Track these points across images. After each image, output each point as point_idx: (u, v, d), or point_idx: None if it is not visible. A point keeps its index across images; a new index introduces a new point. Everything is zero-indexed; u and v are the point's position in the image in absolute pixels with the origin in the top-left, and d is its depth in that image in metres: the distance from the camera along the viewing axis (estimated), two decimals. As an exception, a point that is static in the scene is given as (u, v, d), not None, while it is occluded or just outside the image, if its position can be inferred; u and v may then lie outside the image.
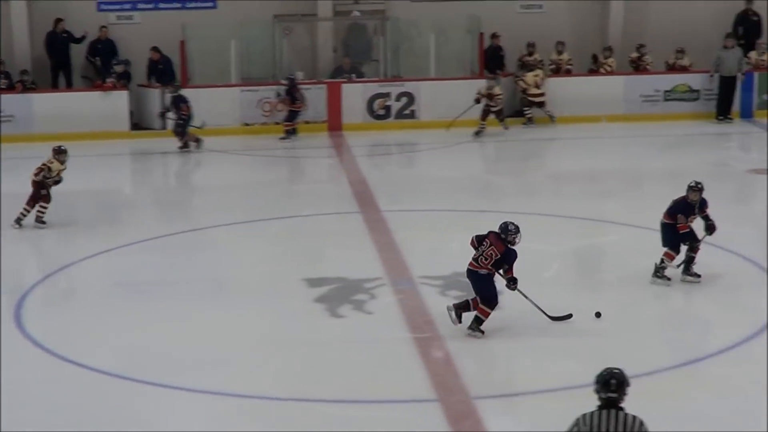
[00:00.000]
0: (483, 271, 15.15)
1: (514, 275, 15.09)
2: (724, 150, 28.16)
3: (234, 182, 26.00)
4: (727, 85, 30.58)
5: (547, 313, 15.42)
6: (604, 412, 8.71)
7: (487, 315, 15.12)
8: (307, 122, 29.68)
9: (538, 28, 31.73)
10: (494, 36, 31.03)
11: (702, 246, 17.71)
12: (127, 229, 21.78)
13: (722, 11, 32.29)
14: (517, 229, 14.95)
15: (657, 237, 18.40)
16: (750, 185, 24.47)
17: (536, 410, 13.46)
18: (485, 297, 15.16)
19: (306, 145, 28.50)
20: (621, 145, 27.60)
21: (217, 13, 31.10)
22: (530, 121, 30.02)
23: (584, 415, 8.70)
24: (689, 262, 17.44)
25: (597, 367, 13.57)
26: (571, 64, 31.40)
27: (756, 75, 31.07)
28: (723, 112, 30.53)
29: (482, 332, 15.14)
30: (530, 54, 30.91)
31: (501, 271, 15.14)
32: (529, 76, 29.92)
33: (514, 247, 14.94)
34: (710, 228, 17.38)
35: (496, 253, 14.90)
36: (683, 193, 17.32)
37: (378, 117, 29.96)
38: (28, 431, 12.99)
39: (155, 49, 30.39)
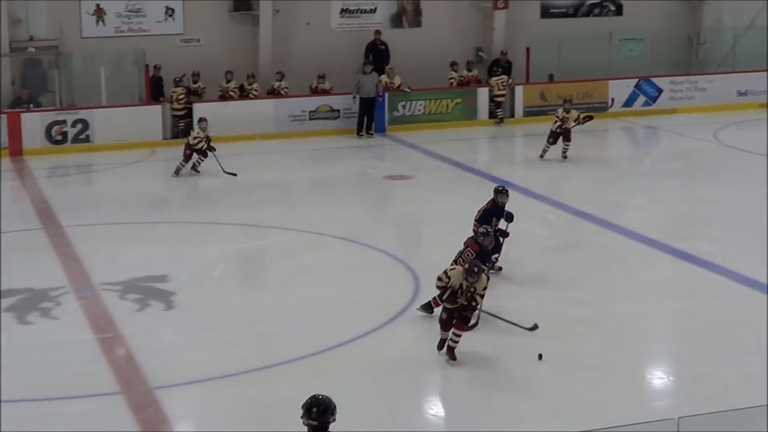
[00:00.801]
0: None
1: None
2: (364, 160, 28.59)
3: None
4: (366, 105, 31.11)
5: (522, 326, 15.13)
6: None
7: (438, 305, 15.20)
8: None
9: (197, 58, 31.43)
10: (156, 67, 30.66)
11: (349, 244, 18.21)
12: None
13: (356, 41, 32.73)
14: (487, 232, 16.04)
15: (307, 236, 18.70)
16: (386, 190, 24.87)
17: (212, 395, 13.53)
18: None
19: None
20: (274, 160, 27.68)
21: None
22: None
23: None
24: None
25: (263, 351, 13.84)
26: (234, 90, 31.23)
27: (387, 95, 31.59)
28: (362, 128, 30.99)
29: (431, 312, 15.77)
30: (195, 82, 30.66)
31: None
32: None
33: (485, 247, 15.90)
34: (509, 217, 17.77)
35: (472, 253, 15.49)
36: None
37: (56, 142, 29.25)
38: None
39: None
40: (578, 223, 21.98)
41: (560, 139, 26.81)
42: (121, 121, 29.52)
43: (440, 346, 14.22)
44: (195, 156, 25.45)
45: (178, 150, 28.07)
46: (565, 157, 26.94)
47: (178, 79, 30.59)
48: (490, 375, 14.27)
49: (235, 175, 24.99)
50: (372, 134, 31.04)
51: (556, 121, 26.53)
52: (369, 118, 31.23)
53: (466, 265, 14.03)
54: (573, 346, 14.75)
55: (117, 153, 28.72)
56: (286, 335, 15.56)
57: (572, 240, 20.98)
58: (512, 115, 33.37)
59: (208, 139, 24.83)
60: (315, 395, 8.38)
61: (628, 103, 34.36)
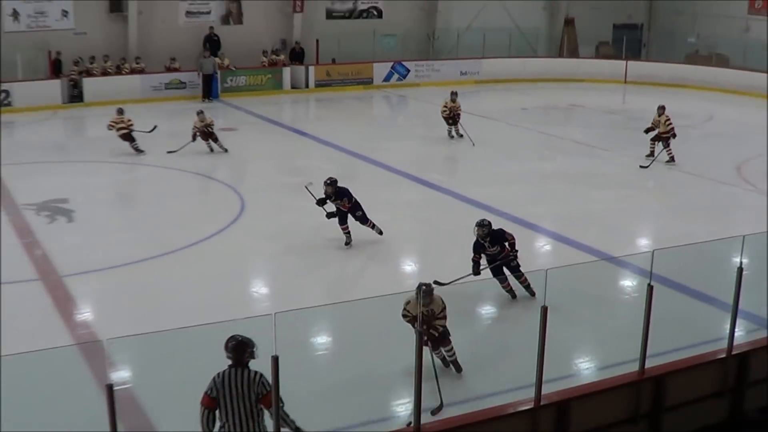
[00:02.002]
0: None
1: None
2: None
3: None
4: (206, 79, 31.23)
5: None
6: (232, 370, 7.28)
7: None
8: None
9: (84, 46, 30.91)
10: (57, 53, 30.26)
11: (193, 176, 18.17)
12: None
13: (197, 34, 32.65)
14: (481, 224, 12.15)
15: (164, 171, 18.69)
16: (221, 137, 24.64)
17: (103, 280, 13.64)
18: None
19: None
20: (142, 118, 27.37)
21: None
22: None
23: (217, 374, 7.31)
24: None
25: (137, 250, 13.57)
26: (111, 68, 30.90)
27: (220, 73, 31.61)
28: (206, 95, 30.97)
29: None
30: (91, 63, 30.56)
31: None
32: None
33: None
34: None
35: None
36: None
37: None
38: None
39: None
40: (352, 160, 22.20)
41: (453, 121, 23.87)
42: (32, 91, 28.85)
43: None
44: (210, 142, 22.35)
45: (72, 111, 27.74)
46: (461, 135, 23.75)
47: (76, 61, 30.33)
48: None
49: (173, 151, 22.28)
50: (211, 100, 31.04)
51: (444, 110, 23.89)
52: (208, 89, 31.28)
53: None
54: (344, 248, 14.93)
55: (30, 114, 28.10)
56: (152, 238, 15.65)
57: (349, 172, 21.26)
58: (307, 86, 33.70)
59: (206, 126, 21.99)
60: (234, 335, 7.40)
61: (387, 78, 34.95)
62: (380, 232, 15.10)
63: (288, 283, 13.61)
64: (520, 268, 12.17)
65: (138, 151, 22.17)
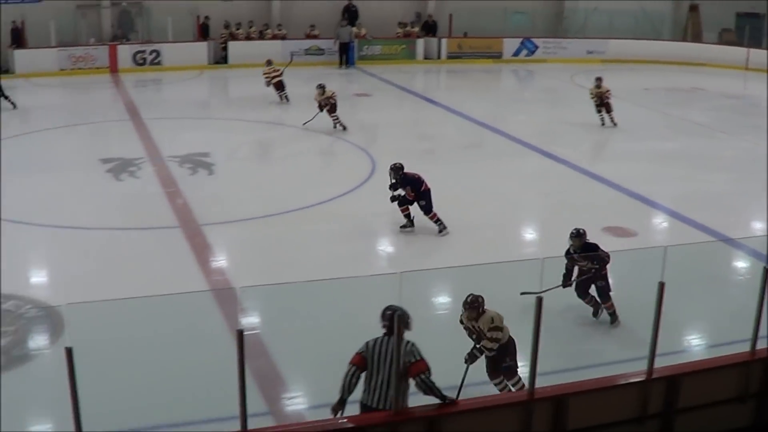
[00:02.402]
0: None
1: None
2: (341, 83, 28.54)
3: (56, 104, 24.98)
4: (343, 47, 31.20)
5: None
6: (386, 338, 6.92)
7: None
8: (98, 68, 28.58)
9: (231, 13, 31.28)
10: (205, 17, 30.57)
11: (328, 137, 18.16)
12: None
13: (336, 5, 32.57)
14: (576, 234, 10.45)
15: (301, 132, 18.68)
16: (355, 102, 24.92)
17: (238, 230, 13.74)
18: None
19: (95, 81, 27.51)
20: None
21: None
22: None
23: (371, 339, 6.97)
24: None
25: (269, 205, 13.54)
26: (255, 33, 31.27)
27: (356, 41, 31.57)
28: (341, 63, 31.03)
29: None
30: (237, 29, 30.51)
31: None
32: None
33: None
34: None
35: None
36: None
37: (139, 64, 29.20)
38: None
39: None
40: (480, 130, 21.84)
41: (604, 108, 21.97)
42: (180, 52, 29.51)
43: None
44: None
45: (217, 72, 28.13)
46: (615, 124, 21.98)
47: (226, 24, 30.95)
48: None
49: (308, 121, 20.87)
50: (347, 66, 31.07)
51: (592, 98, 21.95)
52: (345, 56, 31.28)
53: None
54: (467, 214, 14.54)
55: (177, 72, 28.69)
56: (286, 194, 15.65)
57: (475, 141, 21.10)
58: (438, 57, 33.41)
59: (328, 99, 20.52)
60: (391, 305, 6.94)
61: (516, 53, 34.26)
62: (441, 230, 13.63)
63: (413, 244, 13.47)
64: (610, 293, 10.44)
65: (286, 99, 23.23)
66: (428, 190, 13.55)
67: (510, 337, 8.45)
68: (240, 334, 6.34)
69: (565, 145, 20.12)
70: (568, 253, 10.44)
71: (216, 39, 30.68)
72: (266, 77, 23.26)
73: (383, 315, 6.97)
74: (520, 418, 7.43)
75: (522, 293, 8.75)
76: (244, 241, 13.30)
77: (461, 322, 8.58)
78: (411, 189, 13.48)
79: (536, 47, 34.54)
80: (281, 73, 23.23)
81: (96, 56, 28.81)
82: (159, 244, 13.05)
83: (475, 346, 8.41)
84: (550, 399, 7.51)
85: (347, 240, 13.37)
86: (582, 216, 12.51)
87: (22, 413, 8.44)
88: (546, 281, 7.98)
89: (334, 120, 20.46)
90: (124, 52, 29.24)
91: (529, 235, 14.60)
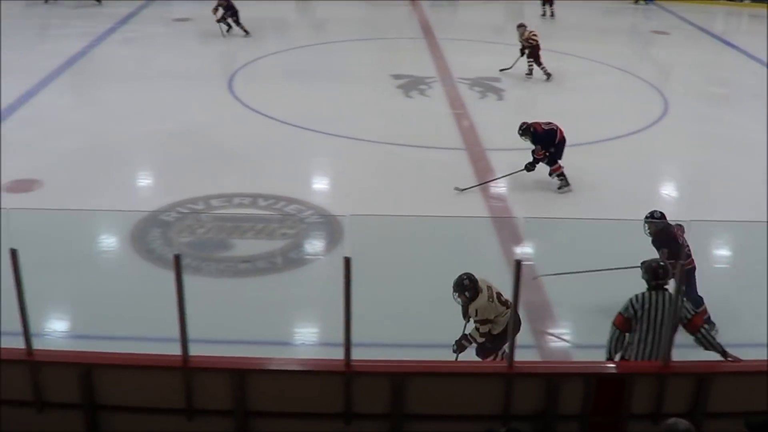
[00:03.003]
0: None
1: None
2: (637, 18, 27.23)
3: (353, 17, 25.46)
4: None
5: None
6: (653, 293, 6.62)
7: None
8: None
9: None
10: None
11: (618, 72, 17.25)
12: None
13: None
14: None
15: (593, 64, 17.86)
16: (651, 39, 23.78)
17: (518, 157, 13.33)
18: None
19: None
20: (576, 11, 26.56)
21: None
22: None
23: (635, 296, 6.66)
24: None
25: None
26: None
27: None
28: (640, -2, 29.50)
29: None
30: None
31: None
32: None
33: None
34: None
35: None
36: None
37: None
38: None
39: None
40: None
41: None
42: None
43: None
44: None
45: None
46: None
47: None
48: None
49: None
50: (646, 2, 29.52)
51: None
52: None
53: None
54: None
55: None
56: (571, 127, 14.96)
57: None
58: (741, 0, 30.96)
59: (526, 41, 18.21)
60: (654, 259, 6.87)
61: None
62: (561, 187, 12.07)
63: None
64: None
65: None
66: (563, 141, 12.01)
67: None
68: (518, 264, 6.05)
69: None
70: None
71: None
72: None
73: (651, 269, 6.67)
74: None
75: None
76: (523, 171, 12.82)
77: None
78: (541, 147, 11.89)
79: None
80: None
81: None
82: (442, 164, 12.95)
83: (463, 334, 7.42)
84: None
85: (630, 180, 12.69)
86: None
87: (293, 315, 8.65)
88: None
89: (529, 64, 18.14)
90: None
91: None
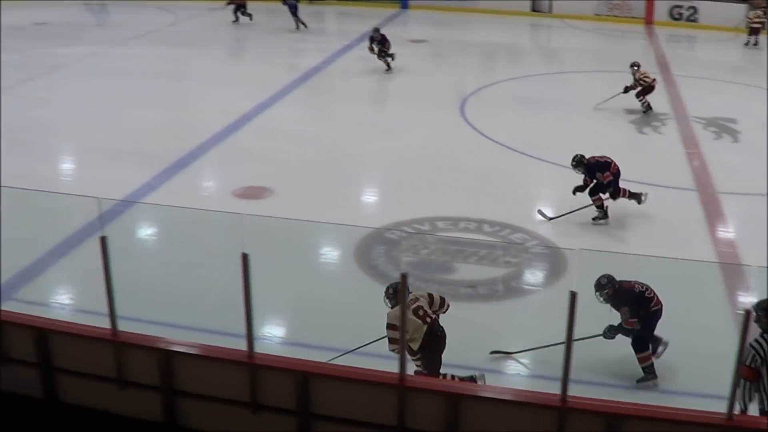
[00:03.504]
0: None
1: None
2: None
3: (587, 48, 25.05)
4: None
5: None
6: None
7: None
8: (632, 18, 28.57)
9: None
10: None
11: None
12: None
13: None
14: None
15: None
16: None
17: (755, 206, 12.61)
18: None
19: (628, 30, 27.16)
20: None
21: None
22: None
23: (755, 341, 6.31)
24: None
25: None
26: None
27: None
28: None
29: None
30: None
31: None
32: None
33: None
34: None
35: None
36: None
37: (675, 18, 28.51)
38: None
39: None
40: None
41: None
42: (719, 11, 27.91)
43: None
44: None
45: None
46: None
47: None
48: None
49: None
50: None
51: None
52: None
53: None
54: None
55: (713, 32, 27.31)
56: None
57: None
58: None
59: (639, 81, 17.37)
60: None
61: None
62: (597, 218, 11.72)
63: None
64: None
65: None
66: (618, 172, 11.72)
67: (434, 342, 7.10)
68: (746, 314, 5.70)
69: None
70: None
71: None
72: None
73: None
74: None
75: None
76: (758, 216, 12.03)
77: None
78: (601, 174, 11.57)
79: None
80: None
81: (633, 6, 28.83)
82: (673, 204, 12.51)
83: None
84: None
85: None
86: None
87: (510, 344, 8.46)
88: None
89: (641, 102, 17.27)
90: (661, 5, 28.77)
91: None
